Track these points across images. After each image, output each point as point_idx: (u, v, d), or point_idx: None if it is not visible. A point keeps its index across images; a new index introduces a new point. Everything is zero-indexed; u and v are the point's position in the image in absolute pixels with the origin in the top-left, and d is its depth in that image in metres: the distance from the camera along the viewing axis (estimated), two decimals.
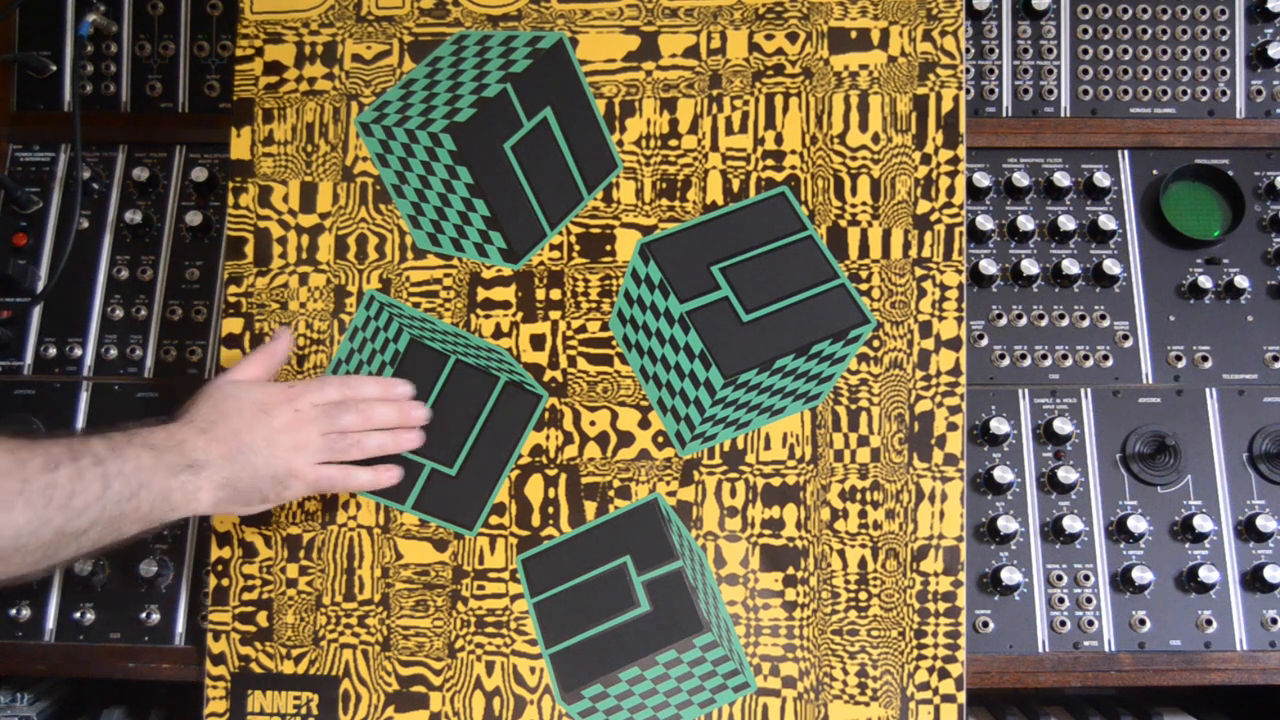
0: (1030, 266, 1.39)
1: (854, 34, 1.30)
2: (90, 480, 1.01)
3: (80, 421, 1.37)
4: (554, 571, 1.27)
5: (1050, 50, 1.47)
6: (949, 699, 1.24)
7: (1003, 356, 1.39)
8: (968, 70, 1.45)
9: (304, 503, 1.29)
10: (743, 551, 1.26)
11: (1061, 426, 1.34)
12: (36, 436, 1.02)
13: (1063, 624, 1.31)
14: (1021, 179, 1.42)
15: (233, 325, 1.31)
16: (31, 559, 0.99)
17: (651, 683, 1.25)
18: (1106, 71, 1.46)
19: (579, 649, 1.25)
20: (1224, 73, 1.46)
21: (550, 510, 1.28)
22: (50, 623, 1.33)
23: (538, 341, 1.30)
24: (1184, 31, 1.47)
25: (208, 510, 1.13)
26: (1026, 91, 1.46)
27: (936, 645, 1.24)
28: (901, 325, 1.27)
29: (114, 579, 1.33)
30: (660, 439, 1.28)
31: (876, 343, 1.27)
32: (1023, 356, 1.39)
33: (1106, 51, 1.46)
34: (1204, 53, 1.46)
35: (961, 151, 1.29)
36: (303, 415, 1.16)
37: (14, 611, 1.32)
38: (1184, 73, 1.46)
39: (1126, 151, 1.45)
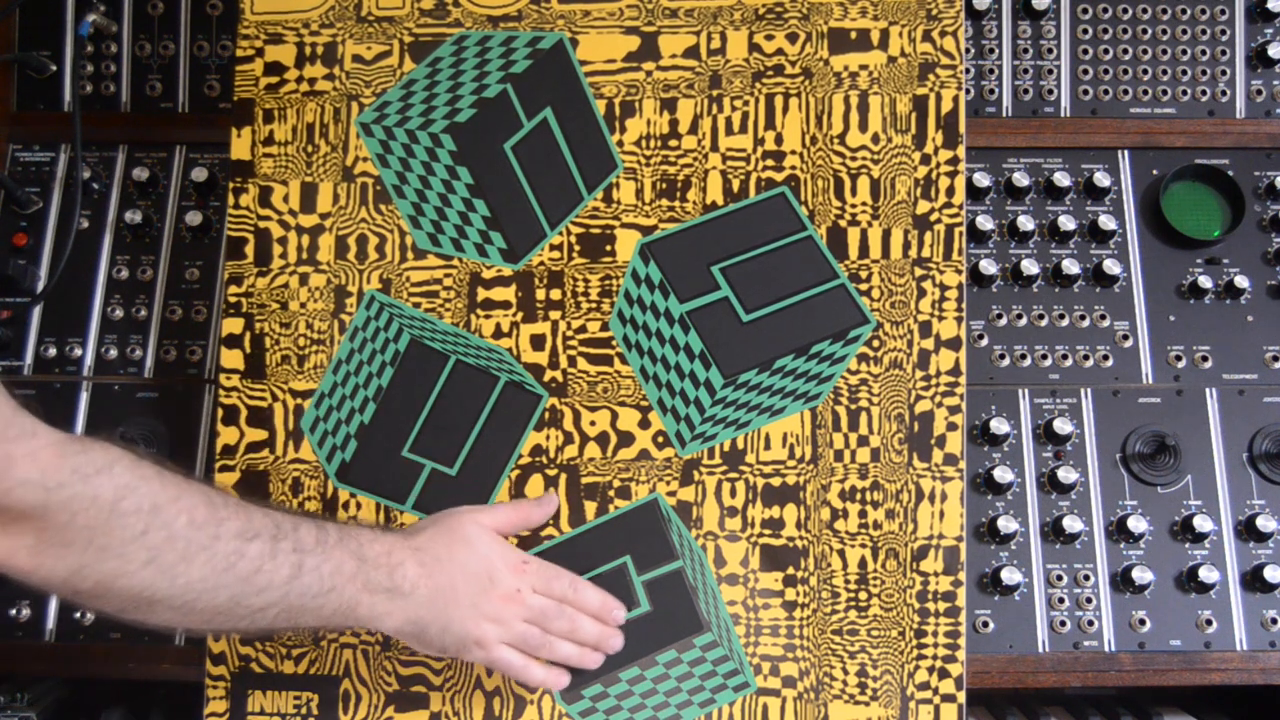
0: (1030, 266, 1.39)
1: (854, 34, 1.30)
2: (281, 564, 0.99)
3: (80, 421, 1.37)
4: None
5: (1050, 50, 1.47)
6: (949, 699, 1.24)
7: (1003, 356, 1.39)
8: (968, 70, 1.45)
9: (304, 502, 1.29)
10: (743, 551, 1.26)
11: (1061, 426, 1.34)
12: (249, 503, 1.00)
13: (1063, 624, 1.31)
14: (1021, 179, 1.42)
15: (233, 325, 1.31)
16: (203, 618, 0.98)
17: (652, 682, 1.25)
18: (1106, 71, 1.46)
19: None
20: (1224, 73, 1.46)
21: None
22: (50, 623, 1.33)
23: (538, 341, 1.30)
24: (1184, 31, 1.47)
25: (387, 632, 1.11)
26: (1026, 91, 1.46)
27: (936, 645, 1.24)
28: (901, 325, 1.27)
29: None
30: (660, 439, 1.28)
31: (876, 343, 1.27)
32: (1023, 356, 1.39)
33: (1106, 51, 1.46)
34: (1204, 53, 1.46)
35: (961, 152, 1.29)
36: (521, 598, 1.13)
37: (14, 611, 1.32)
38: (1184, 73, 1.46)
39: (1126, 151, 1.45)
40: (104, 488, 0.88)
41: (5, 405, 0.84)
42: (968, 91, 1.45)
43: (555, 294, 1.30)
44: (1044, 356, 1.39)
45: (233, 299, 1.32)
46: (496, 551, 1.14)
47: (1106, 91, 1.46)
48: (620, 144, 1.31)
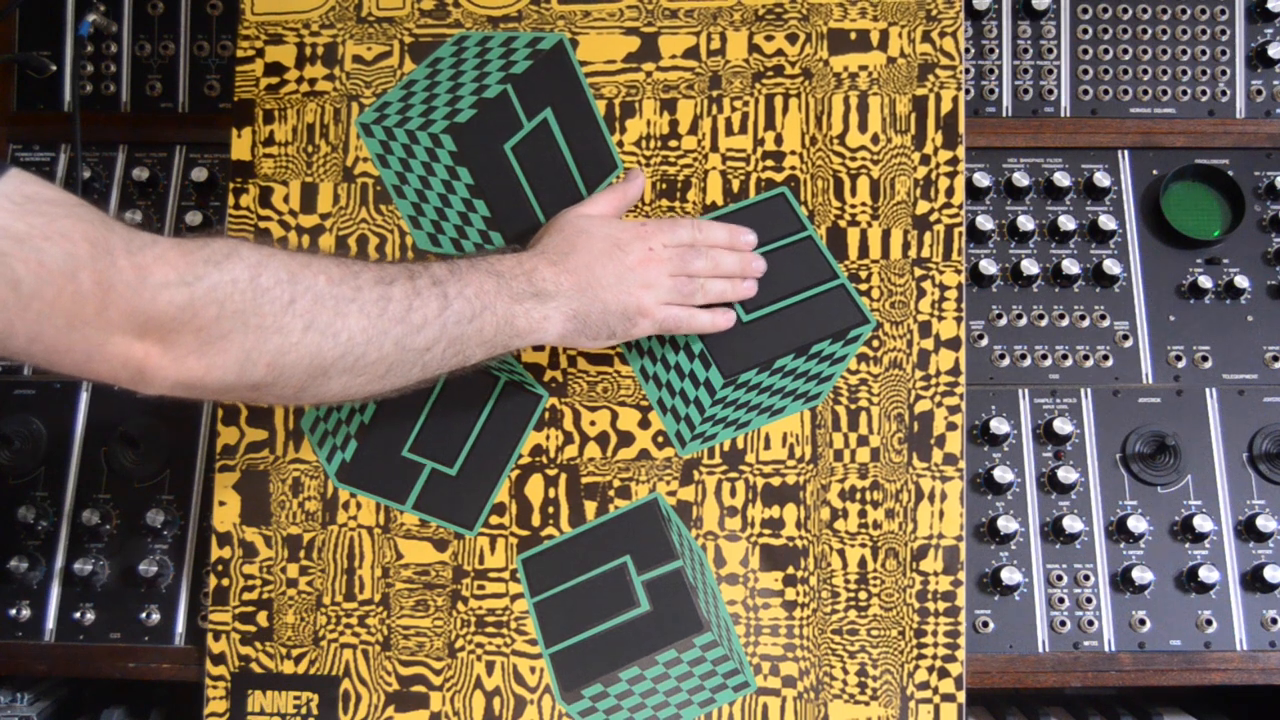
0: (1030, 266, 1.39)
1: (853, 35, 1.30)
2: (428, 298, 1.01)
3: (80, 422, 1.37)
4: (554, 571, 1.27)
5: (1050, 50, 1.47)
6: (949, 698, 1.24)
7: (1003, 356, 1.39)
8: (968, 70, 1.45)
9: (304, 502, 1.29)
10: (743, 551, 1.27)
11: (1061, 426, 1.34)
12: (372, 262, 1.03)
13: (1063, 624, 1.31)
14: (1021, 179, 1.42)
15: None
16: (377, 371, 1.00)
17: (652, 682, 1.25)
18: (1106, 71, 1.46)
19: (579, 649, 1.26)
20: (1224, 73, 1.46)
21: (550, 510, 1.28)
22: (50, 623, 1.33)
23: None
24: (1184, 31, 1.47)
25: (555, 339, 1.14)
26: (1026, 91, 1.46)
27: (936, 645, 1.24)
28: (901, 325, 1.27)
29: (114, 579, 1.33)
30: (660, 439, 1.28)
31: (876, 343, 1.27)
32: (1023, 356, 1.39)
33: (1106, 51, 1.46)
34: (1204, 53, 1.46)
35: (961, 152, 1.29)
36: (656, 255, 1.17)
37: (14, 611, 1.33)
38: (1184, 73, 1.46)
39: (1126, 151, 1.45)
40: (238, 269, 0.89)
41: (120, 225, 0.86)
42: (968, 91, 1.45)
43: None
44: (1044, 356, 1.39)
45: None
46: (613, 227, 1.17)
47: (1106, 91, 1.46)
48: (620, 144, 1.31)
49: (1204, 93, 1.46)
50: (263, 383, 0.93)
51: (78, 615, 1.33)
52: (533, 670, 1.26)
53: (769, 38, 1.31)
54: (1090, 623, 1.31)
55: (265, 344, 0.91)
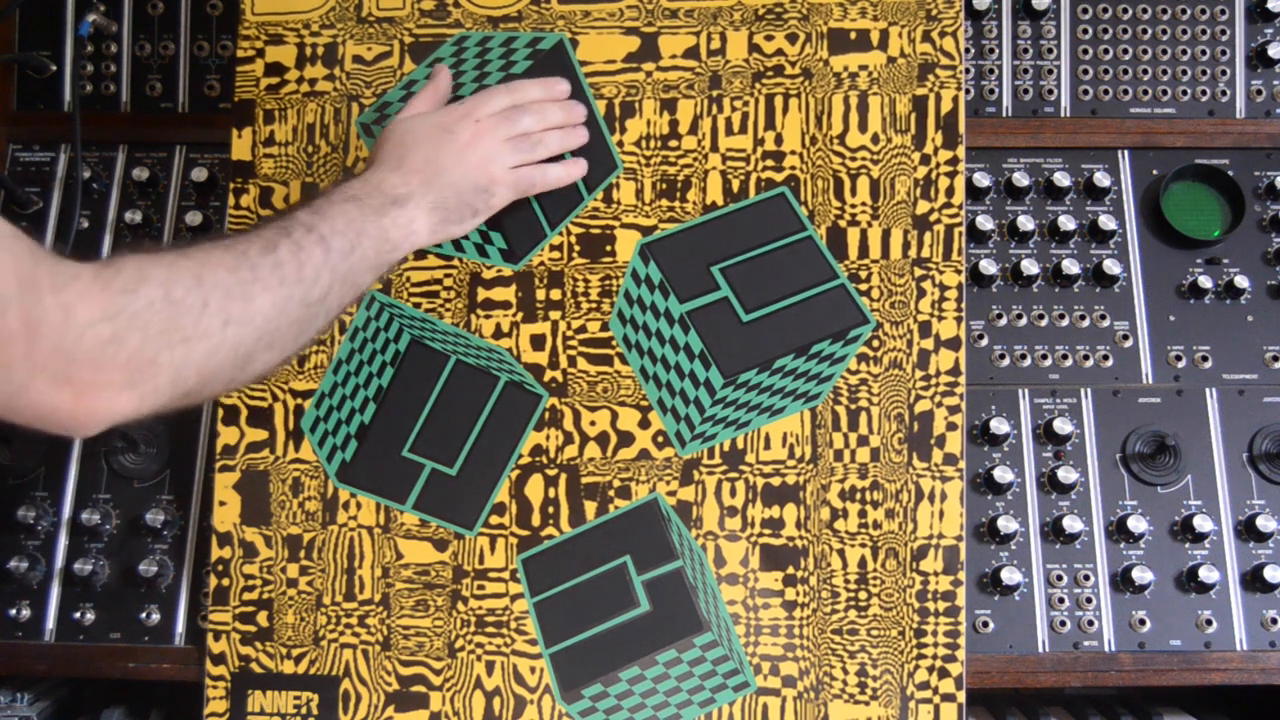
0: (1030, 266, 1.39)
1: (853, 35, 1.30)
2: (310, 247, 1.03)
3: None
4: (554, 571, 1.27)
5: (1050, 50, 1.47)
6: (949, 698, 1.24)
7: (1003, 356, 1.39)
8: (968, 70, 1.45)
9: (304, 502, 1.29)
10: (743, 551, 1.27)
11: (1061, 426, 1.34)
12: (241, 231, 1.05)
13: (1063, 624, 1.31)
14: (1021, 179, 1.42)
15: None
16: (290, 336, 1.01)
17: (652, 682, 1.25)
18: (1106, 71, 1.46)
19: (579, 648, 1.26)
20: (1224, 73, 1.46)
21: (550, 510, 1.28)
22: (50, 623, 1.33)
23: (538, 341, 1.30)
24: (1184, 31, 1.47)
25: (426, 237, 1.15)
26: (1026, 91, 1.46)
27: (936, 645, 1.24)
28: (901, 325, 1.27)
29: (114, 579, 1.33)
30: (660, 439, 1.28)
31: (876, 343, 1.27)
32: (1023, 356, 1.39)
33: (1106, 51, 1.46)
34: (1204, 53, 1.46)
35: (961, 152, 1.29)
36: (483, 125, 1.19)
37: (14, 611, 1.33)
38: (1184, 73, 1.46)
39: (1126, 151, 1.45)
40: (153, 291, 0.89)
41: (44, 256, 0.85)
42: (968, 91, 1.45)
43: (555, 294, 1.30)
44: (1044, 356, 1.39)
45: None
46: (436, 116, 1.20)
47: (1106, 91, 1.46)
48: (620, 144, 1.31)
49: (1204, 93, 1.46)
50: (194, 389, 0.94)
51: (78, 615, 1.33)
52: (533, 670, 1.26)
53: (769, 37, 1.31)
54: (1090, 623, 1.31)
55: (192, 354, 0.91)
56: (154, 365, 0.89)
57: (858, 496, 1.26)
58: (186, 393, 0.93)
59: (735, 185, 1.30)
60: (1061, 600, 1.32)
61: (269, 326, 0.98)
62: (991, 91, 1.46)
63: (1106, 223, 1.40)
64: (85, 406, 0.87)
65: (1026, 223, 1.40)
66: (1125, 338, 1.39)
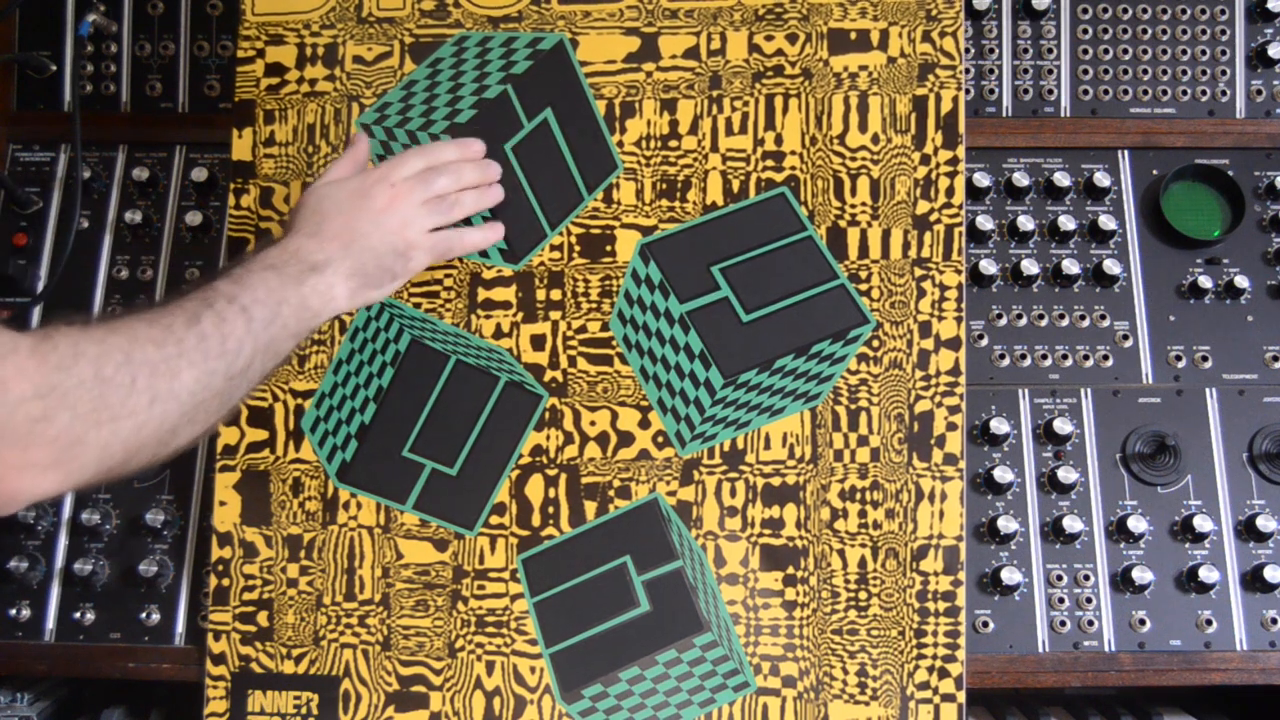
0: (1030, 266, 1.39)
1: (853, 35, 1.30)
2: (232, 318, 1.03)
3: None
4: (554, 571, 1.27)
5: (1050, 50, 1.47)
6: (949, 699, 1.24)
7: (1003, 356, 1.39)
8: (968, 70, 1.45)
9: (304, 502, 1.29)
10: (743, 551, 1.27)
11: (1061, 426, 1.34)
12: (165, 301, 1.04)
13: (1063, 624, 1.31)
14: (1021, 179, 1.42)
15: None
16: (213, 409, 1.01)
17: (651, 682, 1.25)
18: (1106, 71, 1.46)
19: (579, 649, 1.26)
20: (1224, 73, 1.46)
21: (550, 510, 1.28)
22: (50, 623, 1.33)
23: (538, 342, 1.30)
24: (1184, 31, 1.47)
25: (346, 303, 1.15)
26: (1026, 91, 1.46)
27: (936, 645, 1.24)
28: (901, 325, 1.27)
29: (114, 579, 1.33)
30: (660, 439, 1.28)
31: (876, 343, 1.27)
32: (1023, 356, 1.39)
33: (1106, 51, 1.46)
34: (1204, 53, 1.46)
35: (961, 152, 1.29)
36: (399, 190, 1.19)
37: (14, 611, 1.33)
38: (1184, 73, 1.46)
39: (1126, 151, 1.45)
40: (84, 369, 0.89)
41: None
42: (968, 91, 1.45)
43: (555, 294, 1.30)
44: (1044, 356, 1.39)
45: None
46: (352, 183, 1.20)
47: (1106, 91, 1.46)
48: (620, 144, 1.31)
49: (1204, 93, 1.46)
50: (118, 466, 0.94)
51: (78, 615, 1.33)
52: (533, 670, 1.26)
53: (769, 38, 1.31)
54: (1090, 623, 1.31)
55: (119, 432, 0.91)
56: (81, 444, 0.88)
57: (858, 496, 1.26)
58: (111, 468, 0.93)
59: (735, 185, 1.30)
60: (1061, 600, 1.32)
61: (194, 401, 0.97)
62: (991, 91, 1.46)
63: (1106, 223, 1.40)
64: (9, 486, 0.86)
65: (1026, 223, 1.40)
66: (1125, 338, 1.39)
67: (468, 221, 1.27)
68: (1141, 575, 1.30)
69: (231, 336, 1.02)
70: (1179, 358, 1.39)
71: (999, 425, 1.34)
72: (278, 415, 1.31)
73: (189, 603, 1.33)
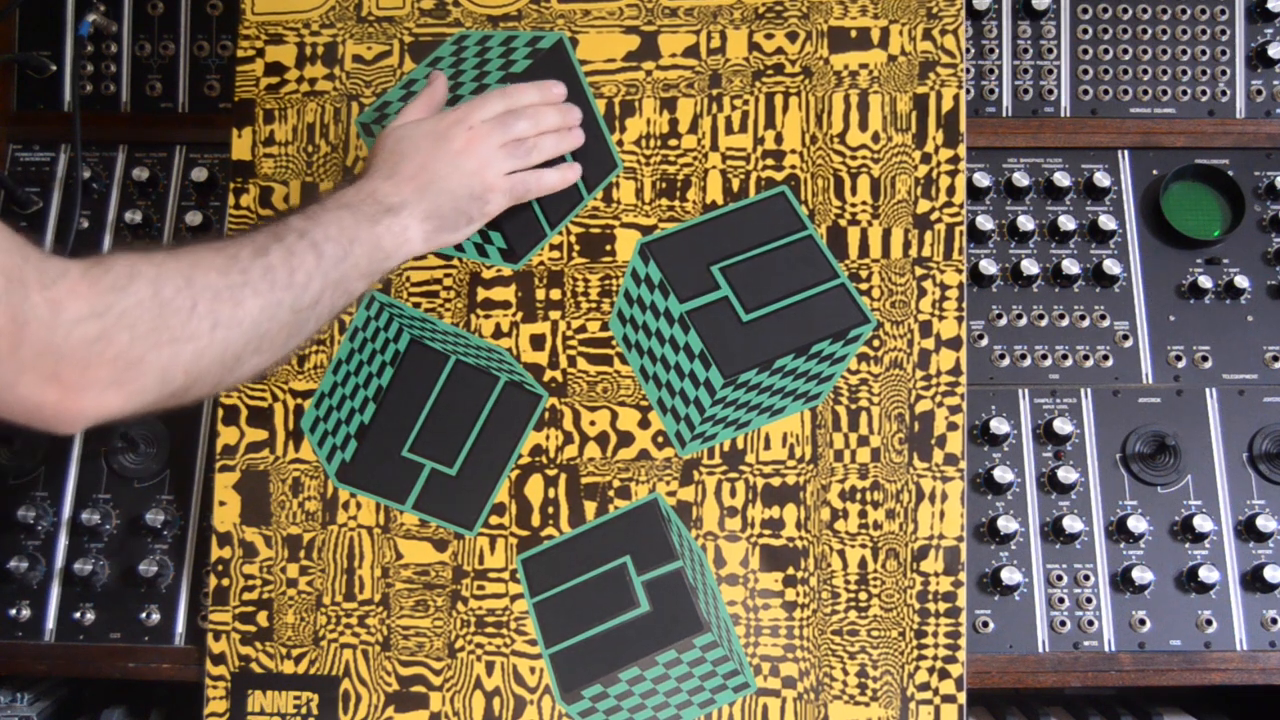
0: (1030, 266, 1.39)
1: (854, 33, 1.30)
2: (302, 252, 1.03)
3: None
4: (554, 571, 1.27)
5: (1050, 50, 1.47)
6: (949, 699, 1.24)
7: (1003, 356, 1.39)
8: (968, 70, 1.45)
9: (304, 502, 1.29)
10: (743, 551, 1.26)
11: (1061, 426, 1.34)
12: (237, 234, 1.04)
13: (1063, 624, 1.31)
14: (1021, 179, 1.42)
15: None
16: (279, 340, 1.01)
17: (651, 683, 1.25)
18: (1106, 71, 1.46)
19: (579, 649, 1.25)
20: (1224, 73, 1.46)
21: (550, 510, 1.28)
22: (50, 623, 1.33)
23: (538, 341, 1.30)
24: (1184, 31, 1.47)
25: (421, 245, 1.15)
26: (1026, 91, 1.46)
27: (937, 645, 1.24)
28: (901, 325, 1.27)
29: (114, 579, 1.33)
30: (660, 439, 1.28)
31: (876, 342, 1.27)
32: (1023, 356, 1.39)
33: (1106, 51, 1.46)
34: (1204, 53, 1.46)
35: (962, 151, 1.29)
36: (477, 132, 1.19)
37: (14, 611, 1.32)
38: (1184, 73, 1.46)
39: (1126, 151, 1.45)
40: (142, 289, 0.89)
41: (34, 252, 0.85)
42: (968, 91, 1.45)
43: (555, 294, 1.30)
44: (1044, 356, 1.39)
45: None
46: (430, 123, 1.19)
47: (1106, 91, 1.46)
48: (620, 143, 1.31)
49: (1204, 93, 1.46)
50: (181, 389, 0.94)
51: (78, 615, 1.33)
52: (533, 670, 1.26)
53: (769, 36, 1.31)
54: (1090, 623, 1.31)
55: (179, 355, 0.91)
56: (141, 364, 0.89)
57: (858, 497, 1.26)
58: (173, 393, 0.93)
59: (735, 184, 1.30)
60: (1061, 600, 1.32)
61: (258, 331, 0.97)
62: (991, 91, 1.46)
63: (1106, 223, 1.40)
64: (72, 404, 0.87)
65: (1026, 223, 1.40)
66: (1125, 338, 1.39)
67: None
68: (1141, 575, 1.30)
69: (300, 269, 1.01)
70: (1179, 358, 1.39)
71: (999, 425, 1.34)
72: (277, 415, 1.31)
73: (189, 603, 1.33)
